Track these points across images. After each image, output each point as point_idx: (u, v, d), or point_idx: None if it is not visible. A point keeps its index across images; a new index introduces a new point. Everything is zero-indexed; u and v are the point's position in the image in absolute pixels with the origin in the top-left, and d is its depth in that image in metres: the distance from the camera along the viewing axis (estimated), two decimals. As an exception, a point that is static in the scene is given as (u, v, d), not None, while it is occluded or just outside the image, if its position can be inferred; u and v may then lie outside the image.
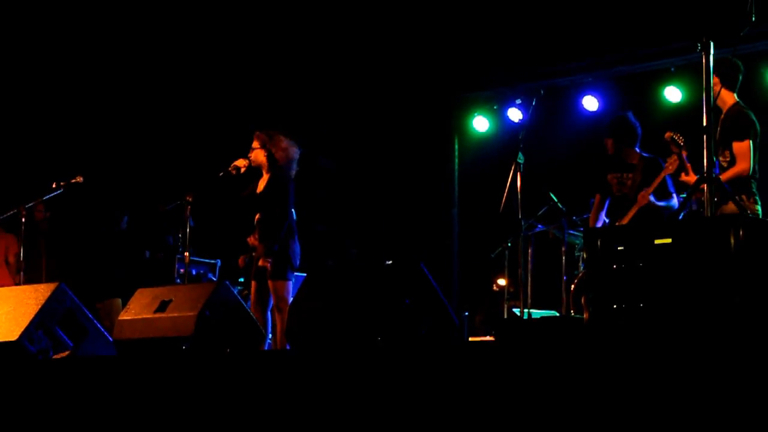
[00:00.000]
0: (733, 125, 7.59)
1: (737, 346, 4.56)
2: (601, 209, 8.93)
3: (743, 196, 7.53)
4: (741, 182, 7.52)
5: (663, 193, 8.54)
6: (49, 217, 10.68)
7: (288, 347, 7.44)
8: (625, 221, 8.51)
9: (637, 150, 8.81)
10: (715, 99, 7.60)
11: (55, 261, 10.74)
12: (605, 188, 8.89)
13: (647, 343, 4.84)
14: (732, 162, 7.56)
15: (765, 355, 4.45)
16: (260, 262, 8.47)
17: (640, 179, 8.66)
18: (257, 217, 8.83)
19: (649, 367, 4.69)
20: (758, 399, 4.38)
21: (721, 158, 7.62)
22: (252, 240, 8.77)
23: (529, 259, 9.75)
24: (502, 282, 10.39)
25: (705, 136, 6.36)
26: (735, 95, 7.69)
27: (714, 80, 7.52)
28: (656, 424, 4.57)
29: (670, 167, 8.23)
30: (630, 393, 4.68)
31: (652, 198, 8.44)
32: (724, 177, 7.49)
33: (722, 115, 7.65)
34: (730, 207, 7.35)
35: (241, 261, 8.87)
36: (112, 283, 10.63)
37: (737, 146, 7.53)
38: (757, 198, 7.61)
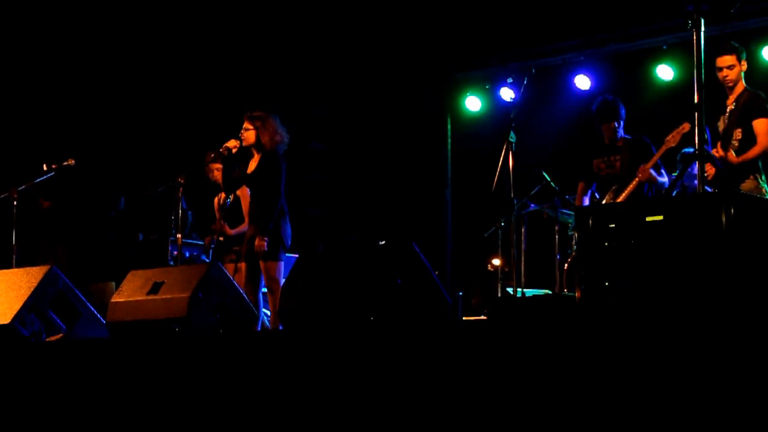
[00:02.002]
0: (749, 105, 7.67)
1: (728, 323, 4.57)
2: (584, 195, 8.98)
3: (753, 176, 7.57)
4: (751, 161, 7.57)
5: (658, 169, 8.56)
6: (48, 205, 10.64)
7: (280, 328, 7.44)
8: (621, 198, 8.50)
9: (621, 132, 8.85)
10: (738, 82, 7.70)
11: (50, 244, 10.73)
12: (589, 175, 8.93)
13: (638, 320, 4.85)
14: (748, 141, 7.59)
15: (755, 333, 4.45)
16: (257, 242, 8.46)
17: (629, 158, 8.67)
18: (216, 201, 8.92)
19: (641, 344, 4.69)
20: (749, 377, 4.39)
21: (732, 139, 7.66)
22: (216, 226, 8.88)
23: (522, 238, 9.75)
24: (496, 262, 10.39)
25: (696, 114, 6.36)
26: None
27: (743, 63, 7.66)
28: (647, 401, 4.58)
29: (672, 140, 8.25)
30: (621, 370, 4.69)
31: (653, 172, 8.44)
32: (749, 155, 7.57)
33: (733, 100, 7.74)
34: (747, 186, 7.39)
35: (207, 241, 8.96)
36: (106, 265, 10.61)
37: (759, 124, 7.62)
38: (764, 176, 7.64)
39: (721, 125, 7.83)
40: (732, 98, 7.78)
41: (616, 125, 8.79)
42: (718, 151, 7.67)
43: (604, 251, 5.23)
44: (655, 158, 8.43)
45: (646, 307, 5.02)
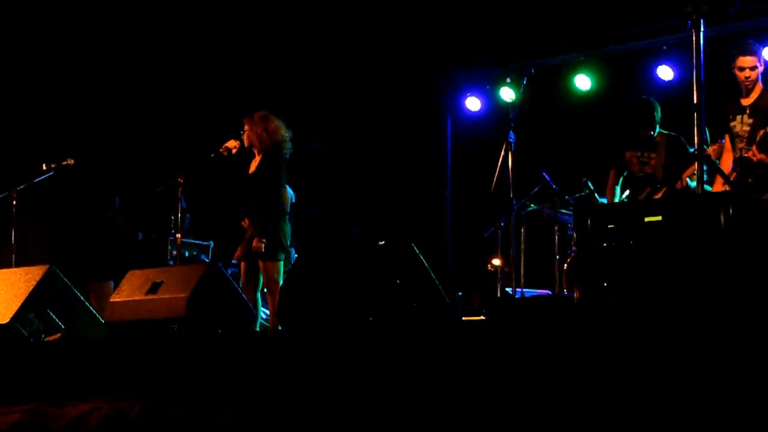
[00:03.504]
0: None
1: (727, 323, 4.56)
2: (616, 185, 8.85)
3: None
4: None
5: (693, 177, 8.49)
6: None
7: (279, 328, 7.44)
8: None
9: (658, 128, 8.74)
10: (756, 82, 7.69)
11: (45, 243, 10.72)
12: (621, 164, 8.80)
13: (636, 320, 4.85)
14: None
15: (755, 333, 4.45)
16: (254, 243, 8.47)
17: (665, 160, 8.58)
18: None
19: (639, 344, 4.69)
20: (749, 376, 4.38)
21: (756, 140, 7.65)
22: (246, 223, 8.79)
23: (522, 238, 9.75)
24: (496, 262, 10.38)
25: (695, 114, 6.35)
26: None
27: (761, 64, 7.67)
28: (645, 401, 4.57)
29: (713, 154, 8.17)
30: (620, 370, 4.69)
31: (688, 180, 8.38)
32: None
33: (752, 100, 7.74)
34: None
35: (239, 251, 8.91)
36: (104, 265, 10.61)
37: None
38: None
39: (737, 125, 7.80)
40: (751, 98, 7.76)
41: (651, 132, 8.65)
42: (755, 155, 7.61)
43: (603, 252, 5.22)
44: (691, 170, 8.32)
45: (645, 308, 5.02)
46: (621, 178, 8.86)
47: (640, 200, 8.48)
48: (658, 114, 8.69)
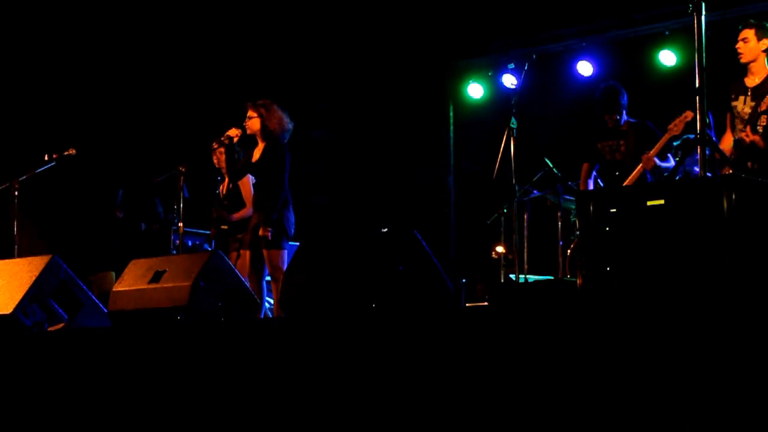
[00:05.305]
0: None
1: (730, 308, 4.56)
2: (589, 177, 8.95)
3: None
4: None
5: (662, 155, 8.53)
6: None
7: (282, 315, 7.44)
8: (625, 184, 8.48)
9: (624, 117, 8.84)
10: (756, 60, 7.66)
11: (47, 234, 10.71)
12: (593, 157, 8.91)
13: (640, 305, 4.84)
14: None
15: (757, 319, 4.44)
16: (260, 231, 8.46)
17: (633, 144, 8.66)
18: (223, 189, 8.94)
19: (642, 329, 4.68)
20: (749, 361, 4.38)
21: (757, 124, 7.61)
22: (215, 214, 8.86)
23: (525, 224, 9.75)
24: (499, 249, 10.38)
25: (698, 98, 6.34)
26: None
27: (763, 41, 7.63)
28: (647, 387, 4.57)
29: (675, 129, 8.22)
30: (622, 356, 4.68)
31: (656, 160, 8.42)
32: None
33: (757, 83, 7.68)
34: None
35: (212, 232, 8.97)
36: (106, 255, 10.61)
37: None
38: None
39: (739, 105, 7.76)
40: (755, 80, 7.70)
41: (618, 117, 8.77)
42: (748, 135, 7.57)
43: (606, 236, 5.21)
44: (659, 147, 8.39)
45: (648, 292, 5.01)
46: (594, 171, 8.96)
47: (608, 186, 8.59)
48: (625, 99, 8.80)
